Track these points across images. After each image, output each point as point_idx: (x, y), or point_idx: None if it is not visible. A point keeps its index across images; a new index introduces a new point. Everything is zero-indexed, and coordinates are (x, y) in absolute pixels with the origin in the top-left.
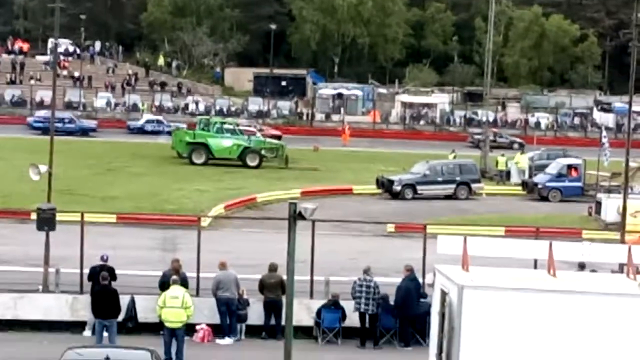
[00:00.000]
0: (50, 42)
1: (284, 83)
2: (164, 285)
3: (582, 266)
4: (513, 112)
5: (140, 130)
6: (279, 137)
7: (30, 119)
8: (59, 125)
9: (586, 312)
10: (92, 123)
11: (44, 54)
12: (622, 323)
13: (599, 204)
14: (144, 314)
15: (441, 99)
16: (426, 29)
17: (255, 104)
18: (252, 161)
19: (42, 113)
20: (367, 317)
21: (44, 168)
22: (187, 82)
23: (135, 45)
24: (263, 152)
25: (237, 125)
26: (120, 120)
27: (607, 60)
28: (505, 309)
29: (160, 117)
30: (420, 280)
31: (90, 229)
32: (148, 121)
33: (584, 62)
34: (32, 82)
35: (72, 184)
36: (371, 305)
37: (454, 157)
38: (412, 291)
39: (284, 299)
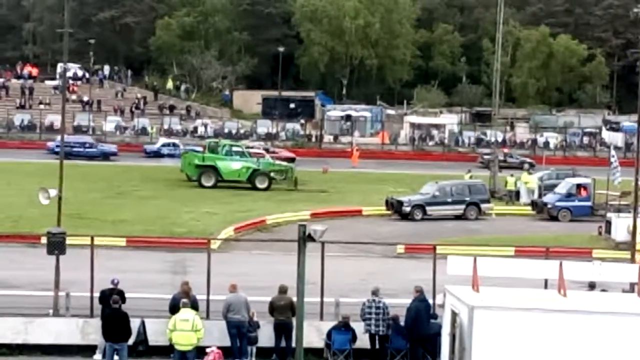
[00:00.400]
0: (59, 67)
1: (292, 105)
2: (174, 308)
3: (592, 286)
4: (521, 132)
5: (157, 154)
6: (292, 160)
7: (51, 144)
8: (80, 149)
9: (597, 332)
10: (112, 147)
11: (53, 78)
12: (634, 342)
13: (608, 223)
14: (155, 337)
15: (450, 120)
16: (434, 50)
17: (264, 126)
18: (261, 183)
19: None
20: (377, 338)
21: (53, 192)
22: (195, 105)
23: (144, 69)
24: (272, 174)
25: (250, 147)
26: (134, 144)
27: (615, 80)
28: (516, 329)
29: (176, 141)
30: (431, 301)
31: (100, 252)
32: (164, 145)
33: (592, 82)
34: (42, 106)
35: (81, 207)
36: (381, 326)
37: (470, 177)
38: (422, 312)
39: (294, 320)
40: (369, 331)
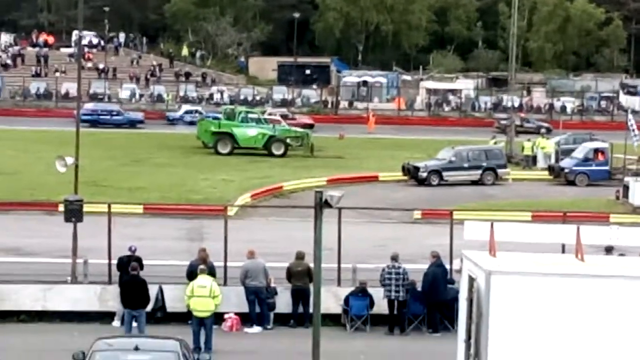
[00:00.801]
0: (74, 35)
1: (308, 71)
2: (191, 274)
3: (608, 250)
4: (538, 96)
5: (180, 121)
6: (311, 126)
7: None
8: (107, 117)
9: (615, 296)
10: (139, 115)
11: (68, 46)
12: None
13: (626, 187)
14: (173, 304)
15: (466, 85)
16: (450, 15)
17: (280, 92)
18: (277, 150)
19: (90, 106)
20: (396, 303)
21: (70, 160)
22: (211, 72)
23: (159, 36)
24: (288, 140)
25: (271, 114)
26: (152, 112)
27: (632, 43)
28: (533, 294)
29: (199, 108)
30: (448, 266)
31: (117, 219)
32: (187, 112)
33: (609, 46)
34: (57, 74)
35: (98, 175)
36: (401, 291)
37: (495, 143)
38: (439, 277)
39: (311, 286)
40: (389, 297)
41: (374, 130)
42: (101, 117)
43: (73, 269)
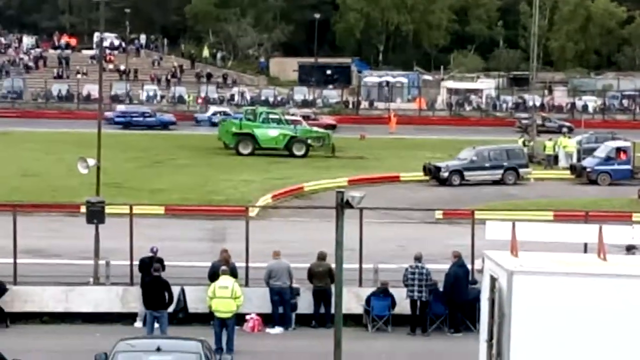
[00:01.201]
0: (96, 37)
1: (329, 72)
2: (213, 275)
3: (630, 249)
4: (560, 96)
5: (208, 122)
6: (333, 127)
7: (110, 114)
8: (140, 119)
9: (638, 296)
10: (171, 117)
11: (90, 48)
12: None
13: None
14: (194, 305)
15: (487, 85)
16: (470, 14)
17: (301, 93)
18: (298, 150)
19: (122, 108)
20: (418, 304)
21: (92, 162)
22: (232, 73)
23: (180, 37)
24: (309, 141)
25: (292, 115)
26: (179, 113)
27: None
28: (555, 293)
29: (227, 109)
30: (469, 266)
31: (139, 221)
32: (215, 113)
33: (631, 44)
34: (79, 76)
35: (120, 176)
36: (424, 292)
37: (524, 144)
38: (461, 277)
39: (332, 287)
40: (411, 297)
41: (395, 131)
42: (134, 119)
43: (95, 271)
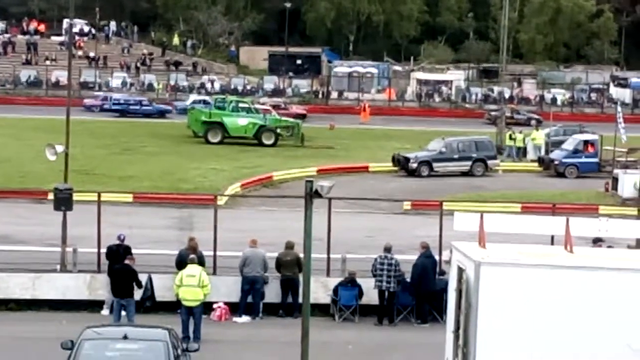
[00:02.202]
0: (66, 23)
1: (299, 61)
2: (180, 264)
3: (596, 241)
4: (529, 88)
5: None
6: (303, 116)
7: (88, 101)
8: (137, 107)
9: (604, 288)
10: (168, 106)
11: (59, 34)
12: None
13: (615, 179)
14: (162, 293)
15: (457, 76)
16: (441, 5)
17: (271, 82)
18: (268, 140)
19: (119, 96)
20: (386, 294)
21: (60, 148)
22: (202, 62)
23: (150, 25)
24: (279, 130)
25: (263, 104)
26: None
27: (623, 36)
28: (522, 285)
29: (207, 98)
30: (437, 257)
31: (107, 208)
32: (195, 102)
33: (600, 38)
34: (48, 62)
35: (88, 163)
36: (392, 282)
37: (510, 136)
38: (428, 268)
39: (300, 276)
40: (379, 287)
41: (368, 121)
42: (131, 107)
43: (62, 258)
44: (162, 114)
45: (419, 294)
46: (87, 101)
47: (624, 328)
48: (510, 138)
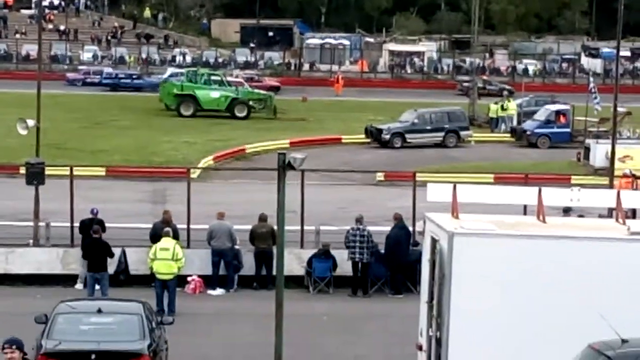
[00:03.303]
0: None
1: (271, 34)
2: (154, 237)
3: (567, 211)
4: (501, 59)
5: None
6: (277, 89)
7: (72, 75)
8: (128, 81)
9: (577, 257)
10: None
11: (29, 7)
12: (612, 268)
13: (587, 149)
14: (136, 267)
15: (428, 47)
16: None
17: (243, 55)
18: (240, 112)
19: (109, 70)
20: (360, 265)
21: (31, 122)
22: (173, 34)
23: None
24: (251, 103)
25: (237, 76)
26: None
27: (594, 6)
28: (495, 255)
29: (183, 70)
30: (411, 228)
31: (80, 182)
32: (172, 74)
33: (570, 8)
34: (17, 36)
35: (60, 138)
36: (365, 254)
37: (502, 107)
38: (402, 239)
39: (274, 249)
40: (353, 259)
41: (342, 93)
42: (122, 80)
43: (35, 232)
44: (154, 87)
45: (392, 265)
46: (70, 75)
47: (596, 298)
48: (503, 109)
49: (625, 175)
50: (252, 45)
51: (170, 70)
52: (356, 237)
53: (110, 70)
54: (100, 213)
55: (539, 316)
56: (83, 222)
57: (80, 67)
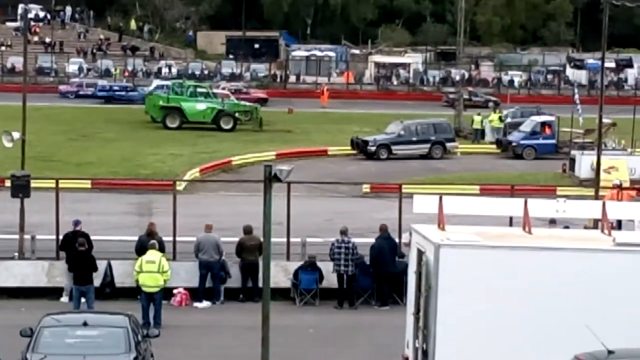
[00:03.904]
0: (20, 8)
1: (256, 45)
2: (140, 250)
3: (552, 222)
4: (486, 70)
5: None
6: (265, 100)
7: (64, 88)
8: (122, 93)
9: (563, 269)
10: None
11: (14, 20)
12: (598, 279)
13: (573, 160)
14: (121, 279)
15: (414, 59)
16: None
17: (229, 67)
18: (226, 124)
19: (104, 82)
20: (345, 277)
21: (17, 135)
22: (159, 47)
23: (106, 9)
24: (237, 115)
25: (223, 88)
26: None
27: (579, 17)
28: (481, 266)
29: (168, 83)
30: (397, 240)
31: (65, 195)
32: (158, 87)
33: (555, 20)
34: (3, 48)
35: (46, 150)
36: (350, 266)
37: (500, 119)
38: (386, 249)
39: (261, 261)
40: (338, 271)
41: (328, 104)
42: (116, 93)
43: (20, 245)
44: None
45: (378, 275)
46: (62, 87)
47: (582, 308)
48: (501, 120)
49: (615, 187)
50: (238, 57)
51: (156, 82)
52: (341, 249)
53: (104, 82)
54: (86, 225)
55: (525, 328)
56: (66, 235)
57: (72, 80)
